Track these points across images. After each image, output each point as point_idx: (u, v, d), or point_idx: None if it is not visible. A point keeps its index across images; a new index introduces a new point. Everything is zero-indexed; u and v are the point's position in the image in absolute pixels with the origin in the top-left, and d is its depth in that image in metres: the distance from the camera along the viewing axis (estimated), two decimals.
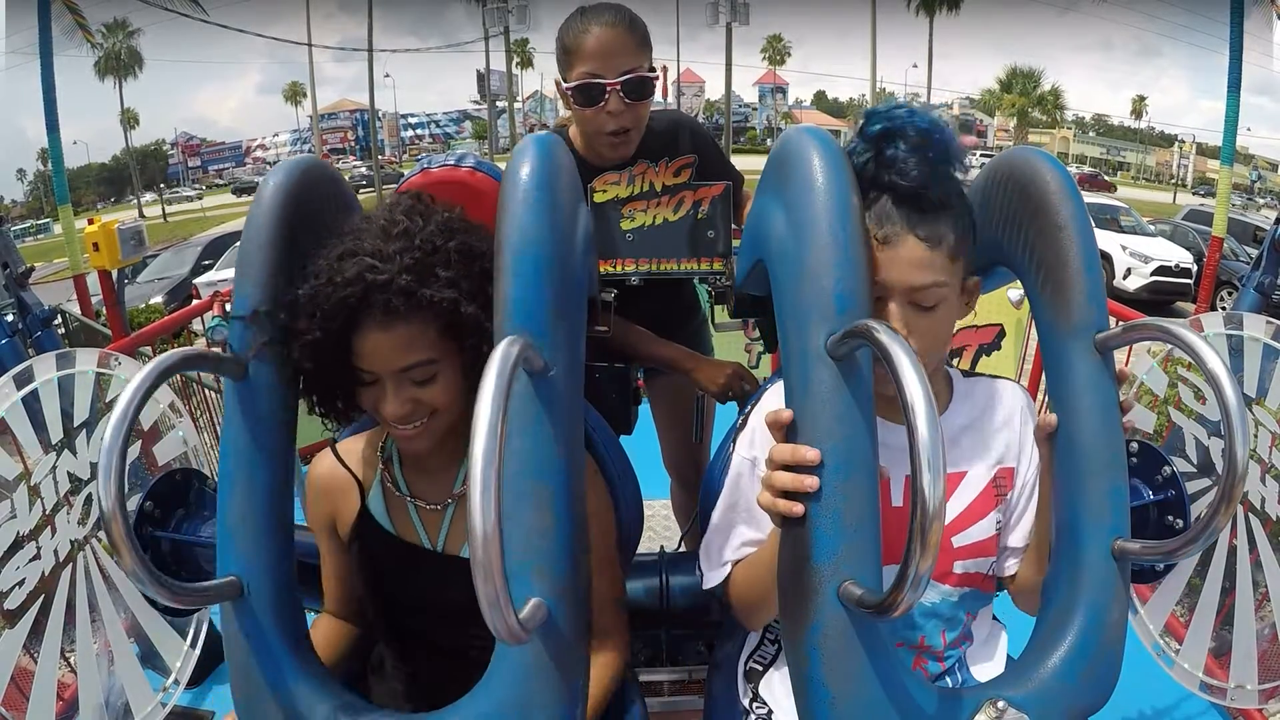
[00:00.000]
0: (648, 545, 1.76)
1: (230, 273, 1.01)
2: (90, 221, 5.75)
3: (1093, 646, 0.89)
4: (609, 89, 1.45)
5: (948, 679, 1.08)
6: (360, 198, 1.18)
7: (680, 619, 1.58)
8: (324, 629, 1.16)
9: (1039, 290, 0.97)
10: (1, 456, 1.22)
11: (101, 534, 1.29)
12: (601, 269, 1.54)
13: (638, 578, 1.57)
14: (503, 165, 0.99)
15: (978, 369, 3.11)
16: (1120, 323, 0.95)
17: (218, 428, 3.18)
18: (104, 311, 5.88)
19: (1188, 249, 11.90)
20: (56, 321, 4.33)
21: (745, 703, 1.13)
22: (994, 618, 1.17)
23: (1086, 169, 39.16)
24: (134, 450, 1.34)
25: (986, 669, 1.11)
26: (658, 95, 1.60)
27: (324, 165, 1.08)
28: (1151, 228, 13.15)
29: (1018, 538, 1.07)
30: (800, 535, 0.82)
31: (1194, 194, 31.79)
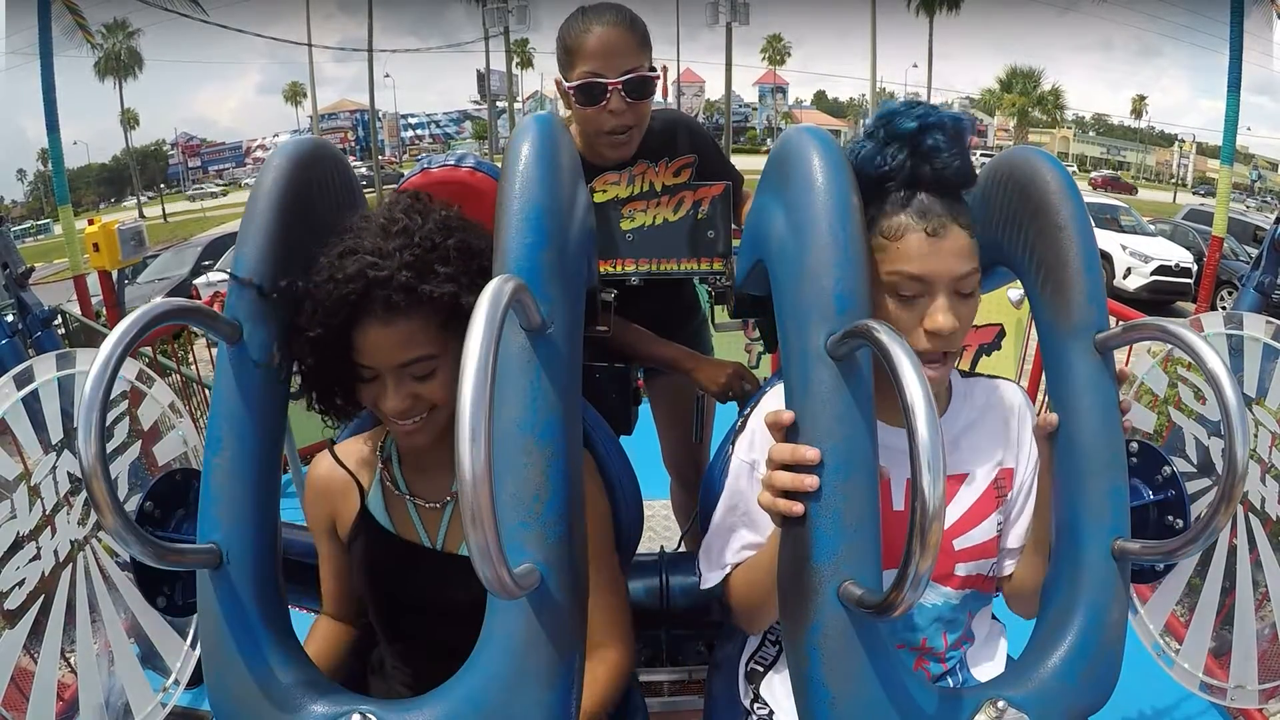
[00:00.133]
0: (648, 545, 1.76)
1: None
2: (90, 222, 5.77)
3: (1093, 646, 0.89)
4: (610, 88, 1.45)
5: (949, 679, 1.08)
6: None
7: (680, 619, 1.58)
8: (322, 631, 1.16)
9: (1039, 290, 0.97)
10: (1, 456, 1.23)
11: (102, 534, 1.29)
12: (601, 269, 1.54)
13: (638, 578, 1.57)
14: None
15: (978, 369, 3.11)
16: (1120, 322, 0.95)
17: None
18: (104, 312, 5.90)
19: (1188, 248, 11.90)
20: (56, 322, 4.33)
21: (746, 703, 1.13)
22: (994, 617, 1.17)
23: (1107, 171, 39.03)
24: (134, 450, 1.35)
25: (987, 669, 1.11)
26: (657, 95, 1.60)
27: (328, 146, 1.08)
28: (1151, 227, 13.15)
29: (1015, 538, 1.07)
30: (800, 535, 0.82)
31: (1194, 194, 31.79)
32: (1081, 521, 0.92)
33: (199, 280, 11.32)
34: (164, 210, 36.74)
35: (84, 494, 1.27)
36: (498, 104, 40.20)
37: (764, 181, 1.01)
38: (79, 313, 5.89)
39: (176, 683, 1.29)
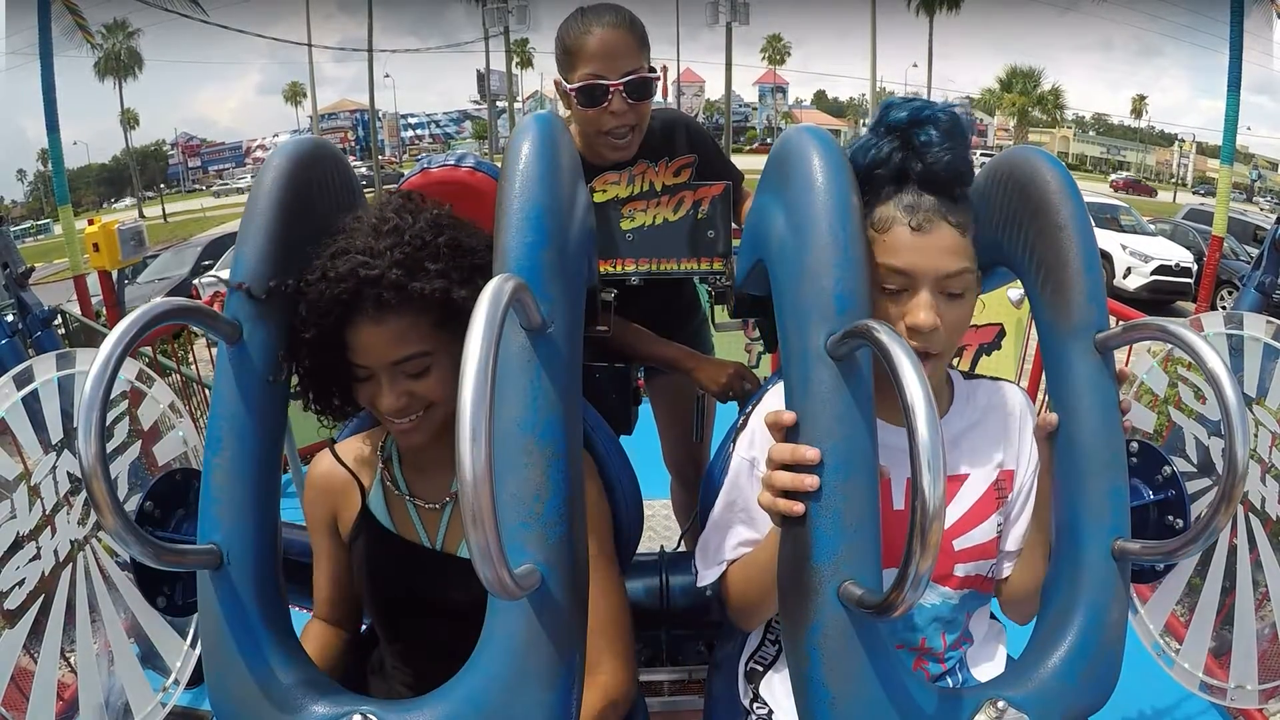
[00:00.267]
0: (648, 545, 1.76)
1: (229, 274, 0.97)
2: (90, 222, 5.77)
3: (1093, 646, 0.89)
4: (612, 89, 1.46)
5: (948, 680, 1.08)
6: None
7: (680, 619, 1.58)
8: (314, 634, 1.15)
9: (1039, 290, 0.97)
10: (1, 456, 1.22)
11: (102, 534, 1.29)
12: (601, 269, 1.54)
13: (638, 578, 1.57)
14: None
15: (978, 369, 3.11)
16: (1120, 322, 0.95)
17: None
18: (104, 311, 5.90)
19: (1188, 248, 11.90)
20: (56, 322, 4.33)
21: (746, 703, 1.13)
22: (993, 618, 1.17)
23: (1126, 174, 38.84)
24: (134, 450, 1.35)
25: (987, 669, 1.11)
26: (657, 95, 1.61)
27: (328, 145, 1.08)
28: (1151, 227, 13.15)
29: (1014, 541, 1.07)
30: (800, 535, 0.82)
31: (1193, 193, 31.77)
32: (1081, 521, 0.91)
33: (199, 280, 11.33)
34: (164, 210, 36.73)
35: (84, 494, 1.27)
36: (498, 104, 40.20)
37: (764, 181, 1.01)
38: (79, 313, 5.89)
39: (176, 683, 1.29)
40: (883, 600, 0.73)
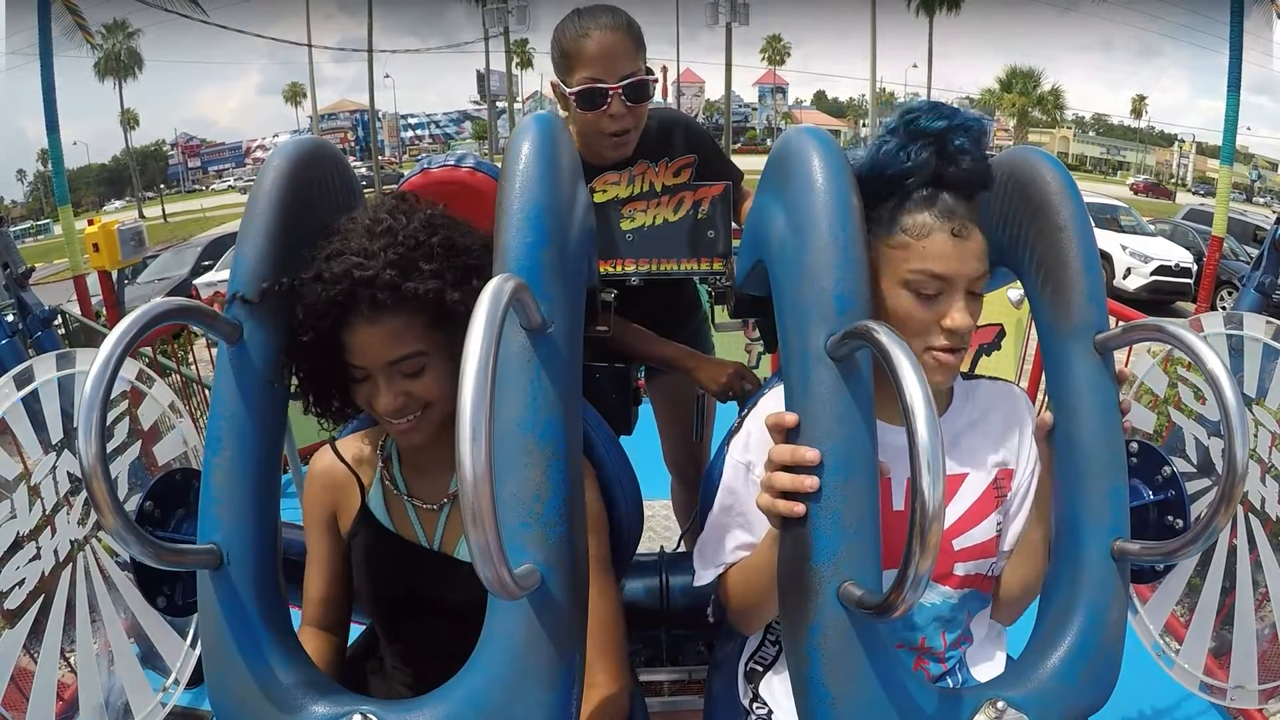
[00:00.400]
0: (648, 545, 1.76)
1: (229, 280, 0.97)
2: (90, 222, 5.77)
3: (1092, 647, 0.89)
4: (611, 93, 1.46)
5: (948, 680, 1.08)
6: None
7: (680, 619, 1.58)
8: (306, 641, 1.11)
9: (1039, 290, 0.97)
10: (1, 456, 1.23)
11: (102, 534, 1.29)
12: (601, 269, 1.54)
13: (638, 578, 1.57)
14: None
15: (978, 369, 3.12)
16: (1120, 323, 0.95)
17: None
18: (104, 312, 5.90)
19: (1188, 248, 11.90)
20: (56, 322, 4.33)
21: (745, 703, 1.13)
22: (992, 618, 1.17)
23: (1145, 177, 38.60)
24: (134, 450, 1.35)
25: (986, 669, 1.11)
26: (657, 95, 1.61)
27: (328, 146, 1.08)
28: (1151, 227, 13.15)
29: (1011, 540, 1.07)
30: (800, 536, 0.82)
31: (1193, 193, 31.76)
32: (1081, 522, 0.92)
33: (199, 280, 11.33)
34: (164, 210, 36.73)
35: (84, 494, 1.27)
36: (498, 104, 40.20)
37: (764, 181, 1.01)
38: (79, 313, 5.89)
39: (176, 683, 1.29)
40: (882, 601, 0.73)
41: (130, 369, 1.37)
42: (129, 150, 41.97)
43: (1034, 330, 1.30)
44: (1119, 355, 0.97)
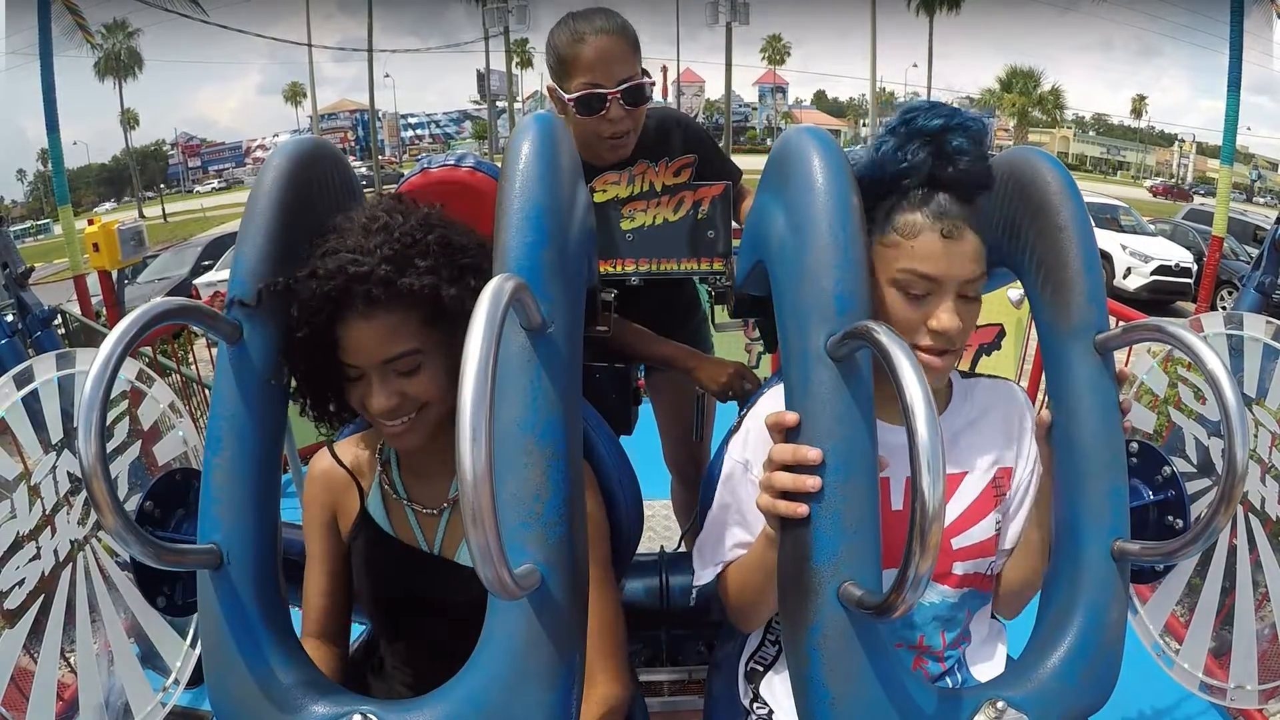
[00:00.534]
0: (648, 545, 1.76)
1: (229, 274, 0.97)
2: (90, 222, 5.77)
3: (1092, 647, 0.89)
4: (609, 98, 1.47)
5: (947, 679, 1.08)
6: None
7: (680, 619, 1.58)
8: (309, 652, 1.12)
9: (1039, 291, 0.97)
10: (1, 456, 1.23)
11: (102, 534, 1.29)
12: (601, 269, 1.54)
13: (638, 578, 1.57)
14: None
15: (978, 369, 3.11)
16: (1120, 323, 0.95)
17: None
18: (104, 312, 5.90)
19: (1188, 248, 11.90)
20: (56, 321, 4.33)
21: (746, 703, 1.13)
22: (993, 617, 1.17)
23: (1162, 180, 38.22)
24: (134, 450, 1.35)
25: (986, 669, 1.11)
26: (657, 95, 1.61)
27: (328, 145, 1.08)
28: (1151, 227, 13.15)
29: (1010, 539, 1.07)
30: (800, 536, 0.82)
31: (1195, 194, 31.73)
32: (1081, 522, 0.92)
33: (199, 280, 11.34)
34: (164, 210, 36.72)
35: (84, 494, 1.27)
36: (498, 104, 40.20)
37: (764, 181, 1.01)
38: (79, 313, 5.89)
39: (176, 683, 1.29)
40: (882, 601, 0.73)
41: (130, 369, 1.37)
42: (129, 150, 41.98)
43: (1034, 330, 1.30)
44: (1119, 355, 0.97)
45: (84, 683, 1.23)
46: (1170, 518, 1.14)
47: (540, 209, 0.87)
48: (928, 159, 0.92)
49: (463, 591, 0.98)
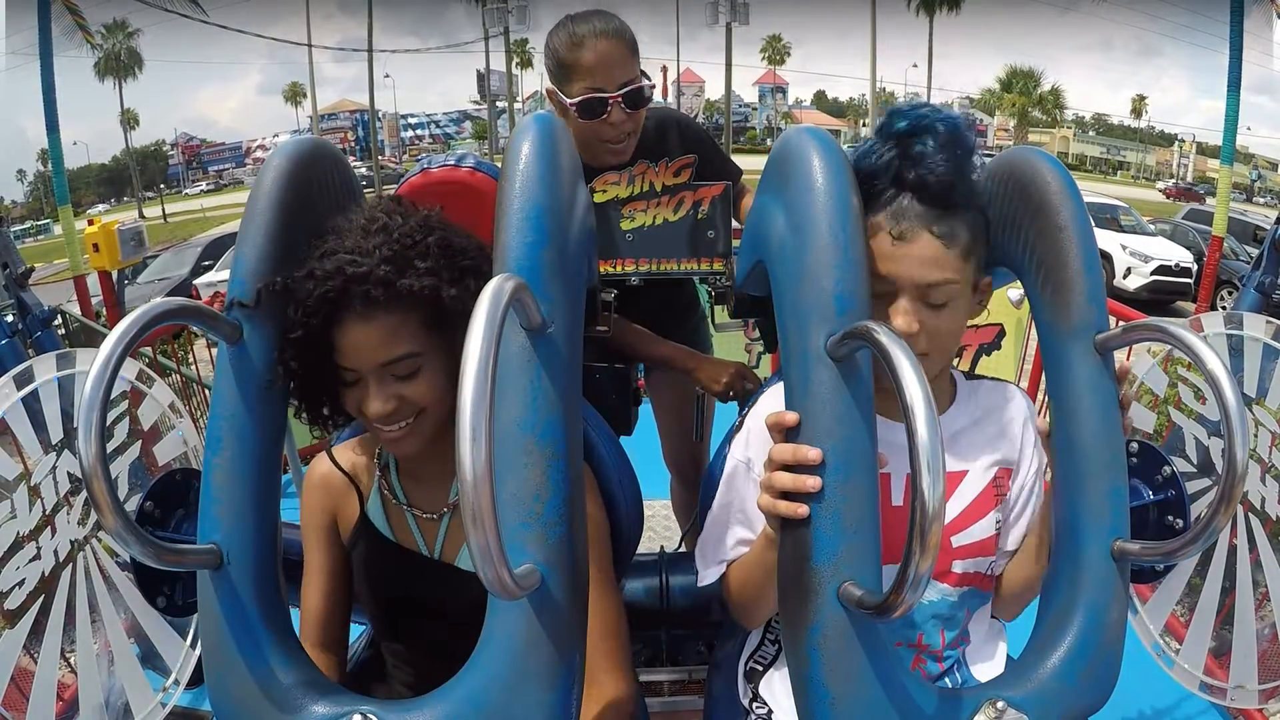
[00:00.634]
0: (648, 545, 1.76)
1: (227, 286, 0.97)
2: (90, 222, 5.77)
3: (1092, 647, 0.89)
4: (611, 102, 1.48)
5: (947, 679, 1.08)
6: None
7: (680, 619, 1.58)
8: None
9: (1039, 291, 0.97)
10: (1, 456, 1.23)
11: (102, 534, 1.29)
12: (601, 269, 1.54)
13: (638, 578, 1.57)
14: None
15: (978, 369, 3.12)
16: (1120, 323, 0.95)
17: None
18: (104, 312, 5.90)
19: (1188, 248, 11.90)
20: (56, 322, 4.33)
21: (745, 703, 1.13)
22: (993, 617, 1.17)
23: (1176, 182, 37.84)
24: (134, 450, 1.35)
25: (986, 669, 1.11)
26: (657, 95, 1.61)
27: (328, 145, 1.08)
28: (1151, 227, 13.16)
29: (1012, 540, 1.07)
30: (800, 536, 0.82)
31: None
32: (1081, 522, 0.92)
33: (199, 280, 11.34)
34: (164, 210, 36.72)
35: (84, 494, 1.27)
36: (498, 104, 40.20)
37: (764, 181, 1.01)
38: (79, 313, 5.89)
39: (176, 683, 1.29)
40: (882, 601, 0.73)
41: (130, 369, 1.37)
42: (129, 150, 41.98)
43: (1034, 330, 1.30)
44: (1119, 354, 0.97)
45: (84, 683, 1.23)
46: (1170, 518, 1.14)
47: (540, 209, 0.87)
48: (894, 161, 0.93)
49: (463, 595, 0.98)
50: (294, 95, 46.15)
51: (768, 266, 0.95)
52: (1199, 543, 0.84)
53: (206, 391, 3.42)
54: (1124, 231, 12.16)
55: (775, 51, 47.74)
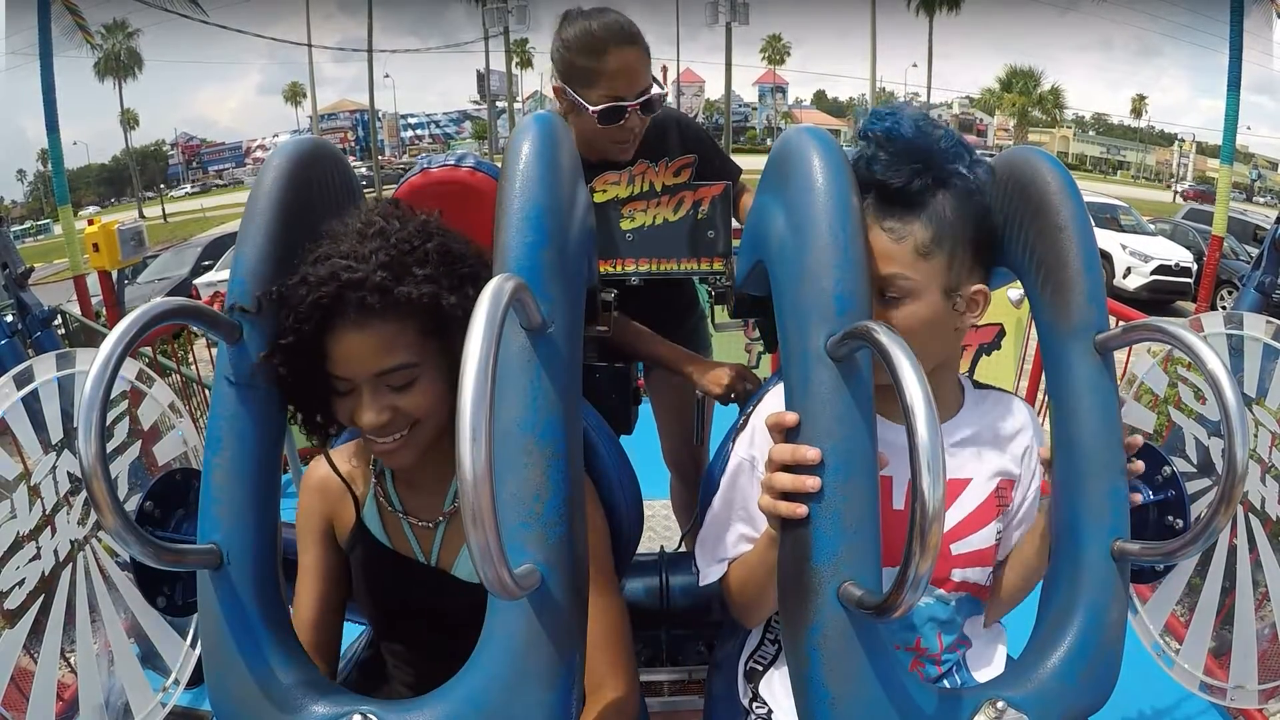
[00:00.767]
0: (648, 545, 1.76)
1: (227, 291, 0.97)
2: (90, 222, 5.77)
3: (1092, 647, 0.89)
4: (630, 109, 1.51)
5: (945, 683, 1.08)
6: None
7: (680, 619, 1.58)
8: None
9: (1039, 291, 0.97)
10: (1, 456, 1.23)
11: (102, 534, 1.29)
12: (601, 269, 1.55)
13: (638, 578, 1.57)
14: None
15: (978, 369, 3.12)
16: (1120, 323, 0.95)
17: None
18: (104, 312, 5.90)
19: (1188, 248, 11.91)
20: (56, 322, 4.33)
21: (745, 702, 1.13)
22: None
23: (1193, 184, 37.62)
24: (134, 450, 1.35)
25: (986, 670, 1.11)
26: None
27: (328, 145, 1.07)
28: (1151, 227, 13.16)
29: (1003, 552, 1.08)
30: (800, 536, 0.82)
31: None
32: (1081, 522, 0.91)
33: (199, 280, 11.35)
34: (164, 210, 36.71)
35: (84, 494, 1.27)
36: (498, 104, 40.20)
37: (764, 181, 1.01)
38: (79, 313, 5.89)
39: (176, 683, 1.29)
40: (882, 601, 0.73)
41: (130, 369, 1.37)
42: (129, 150, 41.98)
43: (1034, 330, 1.30)
44: (1119, 355, 0.97)
45: (84, 683, 1.23)
46: (1170, 518, 1.14)
47: (540, 209, 0.87)
48: (858, 162, 0.95)
49: (460, 602, 0.98)
50: (294, 95, 46.13)
51: (768, 266, 0.95)
52: (1199, 543, 0.84)
53: (206, 391, 3.42)
54: (1124, 231, 12.17)
55: (775, 51, 47.73)
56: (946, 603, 1.04)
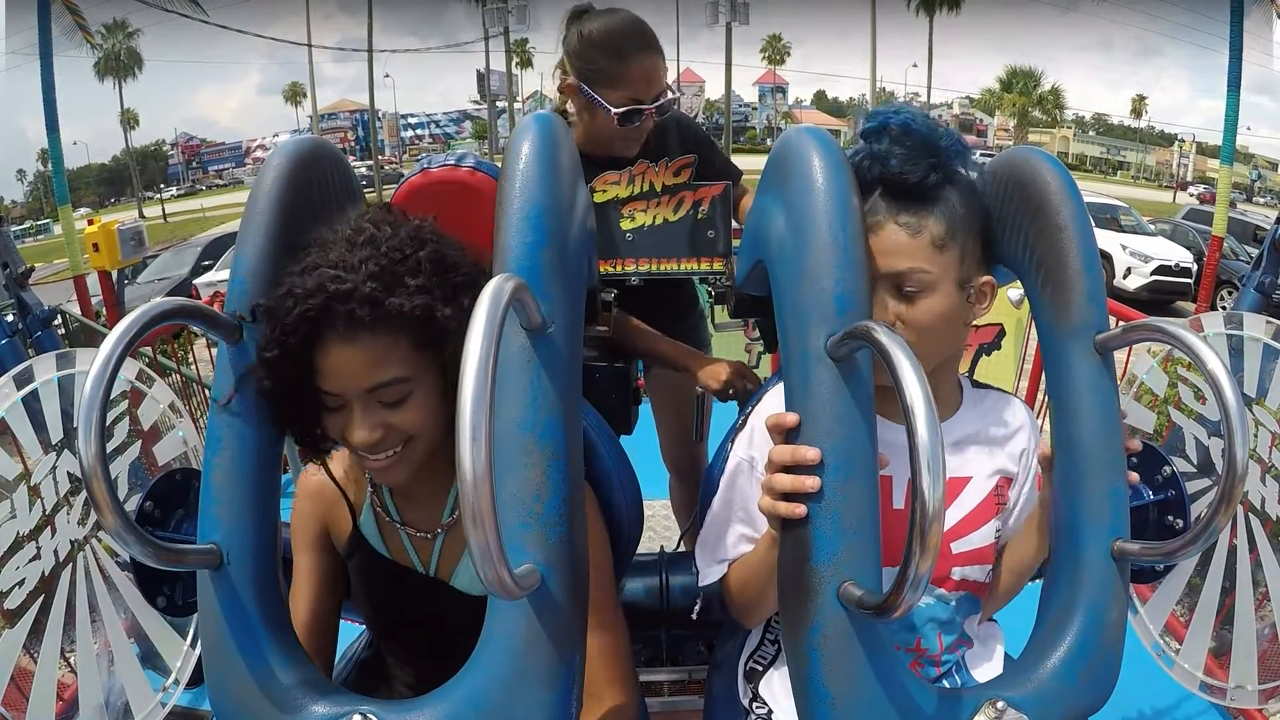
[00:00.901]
0: (648, 545, 1.76)
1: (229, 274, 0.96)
2: (90, 222, 5.77)
3: (1092, 647, 0.89)
4: (647, 112, 1.55)
5: (945, 683, 1.08)
6: None
7: (680, 619, 1.58)
8: None
9: (1039, 291, 0.97)
10: (1, 456, 1.23)
11: (102, 534, 1.29)
12: (601, 269, 1.55)
13: (638, 577, 1.57)
14: None
15: (978, 369, 3.12)
16: (1120, 323, 0.95)
17: None
18: (104, 312, 5.90)
19: (1188, 248, 11.91)
20: (56, 322, 4.33)
21: (745, 703, 1.13)
22: (992, 619, 1.17)
23: (1206, 187, 37.64)
24: (134, 450, 1.35)
25: (986, 670, 1.11)
26: None
27: (328, 145, 1.07)
28: (1151, 227, 13.16)
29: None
30: (800, 536, 0.82)
31: (1189, 194, 31.65)
32: (1081, 522, 0.91)
33: (199, 280, 11.34)
34: (164, 210, 36.71)
35: (84, 494, 1.27)
36: (498, 104, 40.19)
37: (764, 181, 1.01)
38: (79, 313, 5.89)
39: (176, 683, 1.29)
40: (882, 601, 0.73)
41: (130, 369, 1.37)
42: (129, 150, 41.97)
43: (1034, 330, 1.30)
44: (1118, 355, 0.97)
45: (84, 683, 1.23)
46: (1170, 518, 1.15)
47: (540, 209, 0.87)
48: (864, 160, 0.95)
49: (460, 610, 0.97)
50: (294, 95, 46.13)
51: (768, 266, 0.95)
52: (1199, 543, 0.84)
53: (206, 391, 3.42)
54: (1124, 231, 12.17)
55: (775, 51, 47.74)
56: (947, 603, 1.04)
